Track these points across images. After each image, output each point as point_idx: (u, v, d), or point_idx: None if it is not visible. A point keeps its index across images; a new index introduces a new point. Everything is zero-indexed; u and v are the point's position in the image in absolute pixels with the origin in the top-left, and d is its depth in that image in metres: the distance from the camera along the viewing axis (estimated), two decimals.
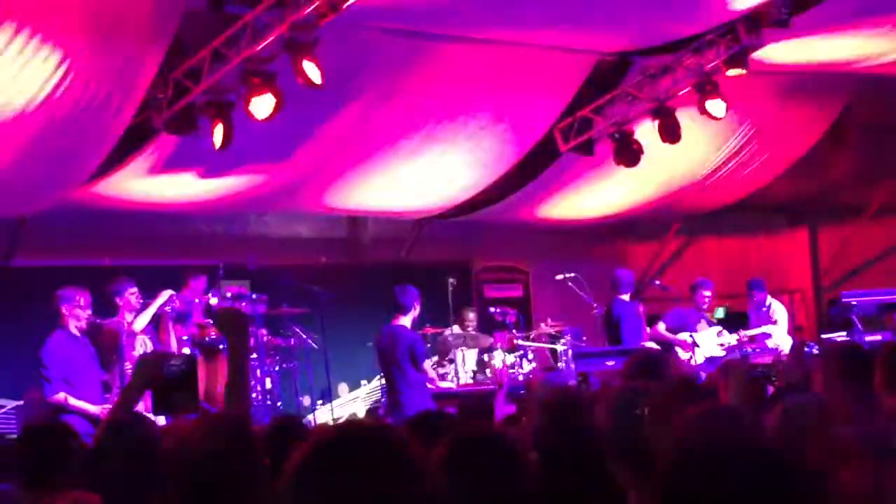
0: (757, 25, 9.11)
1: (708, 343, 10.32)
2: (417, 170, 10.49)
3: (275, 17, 7.47)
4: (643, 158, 10.38)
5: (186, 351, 8.69)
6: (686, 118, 10.17)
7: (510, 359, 10.11)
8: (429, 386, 9.06)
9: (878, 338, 9.92)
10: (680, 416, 2.76)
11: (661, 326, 10.52)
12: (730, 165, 12.17)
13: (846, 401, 4.07)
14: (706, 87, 9.80)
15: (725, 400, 5.55)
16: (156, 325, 8.53)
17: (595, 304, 10.83)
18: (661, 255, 14.10)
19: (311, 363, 10.00)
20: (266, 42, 7.53)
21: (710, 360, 10.12)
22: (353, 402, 10.71)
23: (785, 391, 4.82)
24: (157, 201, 9.72)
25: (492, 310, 10.80)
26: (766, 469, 1.59)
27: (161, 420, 5.24)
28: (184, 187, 9.53)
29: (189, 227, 11.00)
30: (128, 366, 7.85)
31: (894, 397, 4.16)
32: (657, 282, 12.17)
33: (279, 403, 9.57)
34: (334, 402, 10.20)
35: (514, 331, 10.51)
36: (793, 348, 10.03)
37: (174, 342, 8.62)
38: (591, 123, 10.43)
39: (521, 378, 9.85)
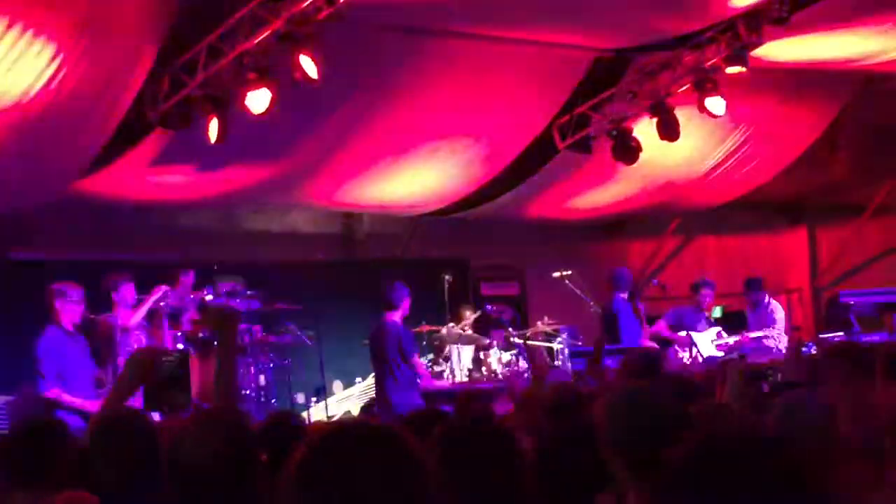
0: (757, 23, 9.10)
1: (708, 343, 10.28)
2: (414, 166, 10.47)
3: (271, 12, 7.44)
4: (641, 156, 10.35)
5: (180, 347, 8.66)
6: (685, 116, 10.15)
7: (506, 357, 10.08)
8: (419, 381, 9.06)
9: (876, 338, 9.92)
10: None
11: (663, 325, 10.47)
12: (728, 163, 12.16)
13: (846, 400, 4.04)
14: (705, 85, 9.78)
15: (722, 399, 5.52)
16: (150, 320, 8.50)
17: (592, 303, 10.80)
18: (659, 254, 14.09)
19: (306, 360, 9.98)
20: (262, 36, 7.49)
21: (710, 360, 10.09)
22: (347, 399, 10.69)
23: (782, 390, 4.80)
24: (152, 196, 9.70)
25: (488, 307, 10.78)
26: (775, 464, 1.60)
27: (154, 417, 5.19)
28: (179, 182, 9.49)
29: (184, 223, 10.97)
30: (122, 361, 7.81)
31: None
32: (655, 280, 12.15)
33: (273, 400, 9.54)
34: (329, 400, 10.18)
35: (510, 329, 10.49)
36: (790, 348, 10.01)
37: (169, 338, 8.59)
38: (589, 121, 10.41)
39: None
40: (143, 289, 8.36)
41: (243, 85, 7.70)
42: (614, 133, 10.31)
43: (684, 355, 10.25)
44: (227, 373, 4.07)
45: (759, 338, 10.45)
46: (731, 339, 10.38)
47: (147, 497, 3.30)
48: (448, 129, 10.07)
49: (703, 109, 9.92)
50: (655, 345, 10.07)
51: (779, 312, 10.64)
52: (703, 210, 13.54)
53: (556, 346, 10.49)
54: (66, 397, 7.51)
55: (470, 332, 10.53)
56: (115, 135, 8.25)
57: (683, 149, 11.05)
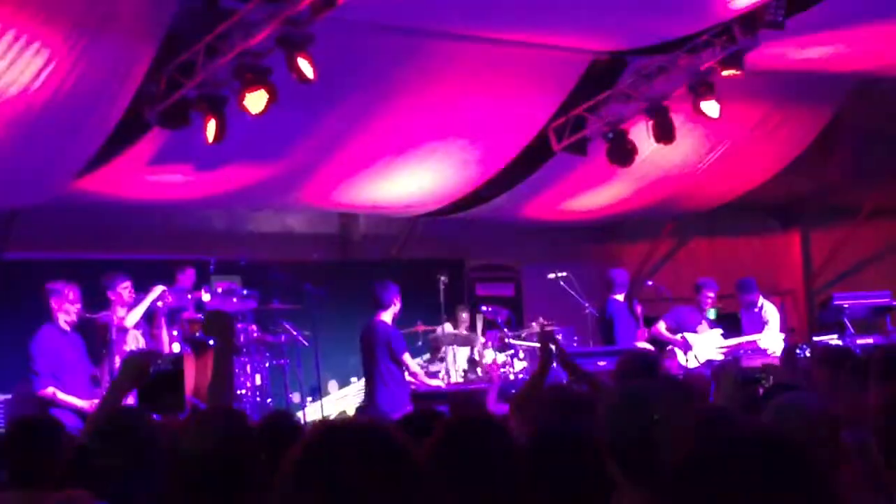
0: (752, 26, 9.11)
1: (707, 345, 10.25)
2: (411, 167, 10.48)
3: (269, 13, 7.45)
4: (637, 158, 10.38)
5: (177, 346, 8.68)
6: (680, 118, 10.17)
7: (501, 357, 10.11)
8: (409, 379, 9.09)
9: (870, 341, 9.95)
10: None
11: (662, 326, 10.46)
12: (723, 166, 12.17)
13: (837, 403, 4.07)
14: (701, 88, 9.80)
15: (715, 401, 5.55)
16: (148, 320, 8.52)
17: (587, 304, 10.83)
18: (654, 256, 14.12)
19: (302, 360, 10.00)
20: (260, 37, 7.50)
21: (708, 363, 10.08)
22: (342, 399, 10.70)
23: (775, 392, 4.82)
24: (149, 196, 9.70)
25: (484, 308, 10.80)
26: (782, 463, 1.61)
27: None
28: (176, 182, 9.50)
29: (181, 222, 10.98)
30: (118, 360, 7.83)
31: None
32: (649, 282, 12.17)
33: (269, 400, 9.56)
34: (324, 399, 10.20)
35: (505, 329, 10.51)
36: (784, 350, 10.03)
37: (166, 337, 8.61)
38: (585, 123, 10.42)
39: (511, 377, 9.85)
40: (141, 288, 8.38)
41: (241, 85, 7.71)
42: (610, 135, 10.32)
43: (682, 358, 10.23)
44: (223, 375, 4.08)
45: (757, 340, 10.44)
46: (734, 341, 10.33)
47: (146, 496, 3.30)
48: (445, 130, 10.07)
49: (698, 112, 9.95)
50: (650, 346, 10.07)
51: (772, 313, 10.66)
52: (698, 212, 13.57)
53: (546, 338, 10.50)
54: (61, 396, 7.53)
55: (465, 332, 10.57)
56: (113, 134, 8.26)
57: (679, 151, 11.08)
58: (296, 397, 10.17)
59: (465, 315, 10.88)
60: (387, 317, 8.76)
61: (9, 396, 8.25)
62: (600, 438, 2.89)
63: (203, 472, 2.88)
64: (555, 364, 10.25)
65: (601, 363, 9.03)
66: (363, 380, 10.53)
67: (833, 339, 10.21)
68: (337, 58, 8.25)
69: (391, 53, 8.85)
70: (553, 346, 5.91)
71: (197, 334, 8.74)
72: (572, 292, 10.83)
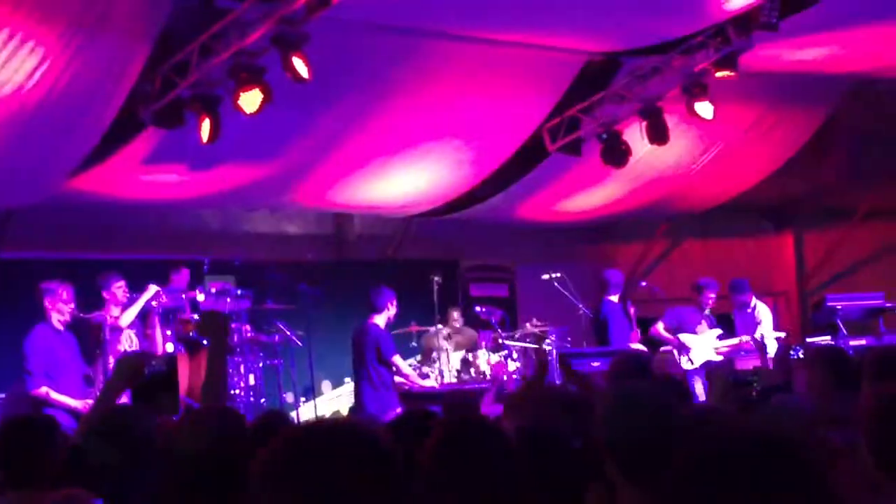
0: (746, 28, 9.14)
1: (705, 346, 10.24)
2: (405, 167, 10.48)
3: (264, 12, 7.45)
4: (631, 159, 10.39)
5: (171, 346, 8.67)
6: (674, 119, 10.19)
7: (495, 358, 10.12)
8: (400, 380, 9.10)
9: (863, 342, 9.97)
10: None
11: (661, 326, 10.43)
12: (717, 168, 12.20)
13: (832, 404, 4.09)
14: (695, 89, 9.83)
15: (709, 402, 5.57)
16: (142, 319, 8.51)
17: (581, 305, 10.84)
18: (648, 257, 14.14)
19: (295, 360, 10.00)
20: (255, 37, 7.50)
21: (706, 364, 10.08)
22: (336, 399, 10.70)
23: (767, 394, 4.85)
24: (144, 195, 9.69)
25: (478, 309, 10.81)
26: (781, 464, 1.62)
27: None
28: (170, 182, 9.49)
29: (175, 222, 10.98)
30: (112, 360, 7.82)
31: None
32: (643, 283, 12.18)
33: (262, 400, 9.56)
34: (317, 399, 10.19)
35: (499, 330, 10.52)
36: (777, 352, 10.05)
37: (160, 337, 8.59)
38: (579, 123, 10.44)
39: (505, 378, 9.87)
40: (135, 288, 8.37)
41: (236, 85, 7.70)
42: (604, 136, 10.34)
43: (679, 358, 10.20)
44: (217, 375, 4.09)
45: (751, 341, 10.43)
46: (732, 342, 10.32)
47: (141, 495, 3.31)
48: (440, 130, 10.08)
49: (692, 113, 9.97)
50: (644, 347, 10.08)
51: (765, 314, 10.67)
52: (692, 213, 13.60)
53: (544, 347, 10.53)
54: (55, 395, 7.52)
55: (459, 327, 10.58)
56: (108, 134, 8.26)
57: (673, 152, 11.10)
58: (289, 397, 10.18)
59: (456, 314, 10.90)
60: (380, 320, 8.79)
61: (2, 396, 8.24)
62: (598, 439, 2.90)
63: (197, 472, 2.89)
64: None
65: (595, 364, 9.04)
66: None
67: (826, 341, 10.23)
68: (332, 57, 8.25)
69: (386, 53, 8.86)
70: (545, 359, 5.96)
71: (191, 334, 8.75)
72: (566, 293, 10.84)
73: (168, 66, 7.93)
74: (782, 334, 10.61)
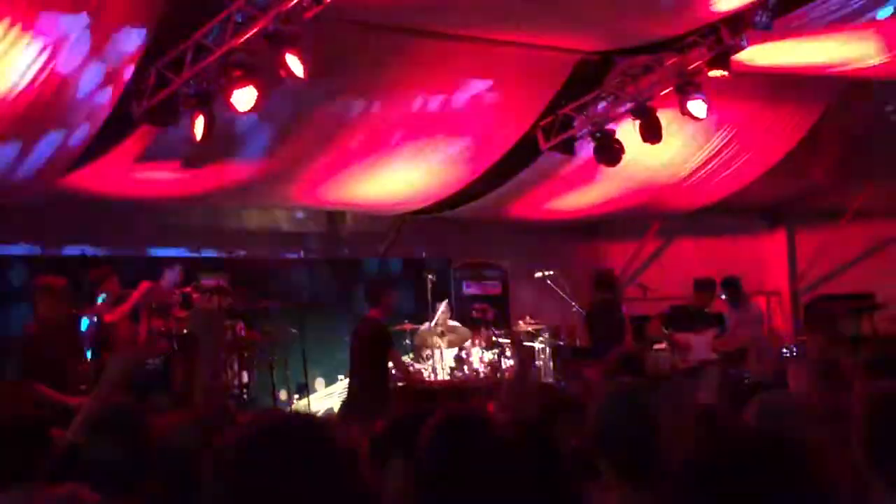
0: (739, 27, 9.18)
1: (702, 344, 10.26)
2: (398, 165, 10.50)
3: (258, 10, 7.46)
4: (623, 158, 10.42)
5: (164, 343, 8.68)
6: (667, 118, 10.23)
7: (488, 356, 10.15)
8: (395, 375, 9.13)
9: (854, 339, 10.05)
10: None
11: (658, 324, 10.45)
12: (709, 167, 12.24)
13: (823, 401, 4.11)
14: (687, 88, 9.86)
15: (701, 399, 5.60)
16: (135, 316, 8.51)
17: (573, 303, 10.87)
18: (640, 255, 14.19)
19: (289, 357, 10.00)
20: (249, 34, 7.51)
21: (703, 362, 10.10)
22: (329, 396, 10.72)
23: (759, 391, 4.87)
24: (137, 192, 9.70)
25: (474, 309, 10.84)
26: (784, 465, 1.63)
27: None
28: (164, 179, 9.50)
29: (169, 219, 10.98)
30: (105, 356, 7.82)
31: None
32: (636, 281, 12.23)
33: (256, 397, 9.57)
34: (311, 397, 10.21)
35: (492, 328, 10.55)
36: (769, 350, 10.10)
37: (153, 334, 8.60)
38: (572, 122, 10.47)
39: (498, 375, 9.91)
40: (128, 284, 8.38)
41: (229, 83, 7.71)
42: (597, 135, 10.37)
43: (677, 357, 10.22)
44: (211, 372, 4.10)
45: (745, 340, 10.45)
46: (728, 341, 10.34)
47: (137, 491, 3.32)
48: (433, 128, 10.10)
49: (685, 112, 9.99)
50: (637, 345, 10.11)
51: (756, 312, 10.71)
52: (684, 212, 13.64)
53: (537, 345, 10.57)
54: (48, 391, 7.51)
55: (453, 325, 10.58)
56: (101, 131, 8.26)
57: (665, 151, 11.14)
58: (283, 394, 10.19)
59: (441, 307, 10.89)
60: (378, 314, 8.79)
61: None
62: (591, 437, 2.92)
63: (192, 468, 2.89)
64: (540, 363, 10.36)
65: (588, 362, 9.08)
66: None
67: (817, 338, 10.29)
68: (326, 56, 8.26)
69: (380, 52, 8.87)
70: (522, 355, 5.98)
71: (184, 331, 8.75)
72: (559, 291, 10.87)
73: (162, 63, 7.93)
74: (781, 333, 10.65)
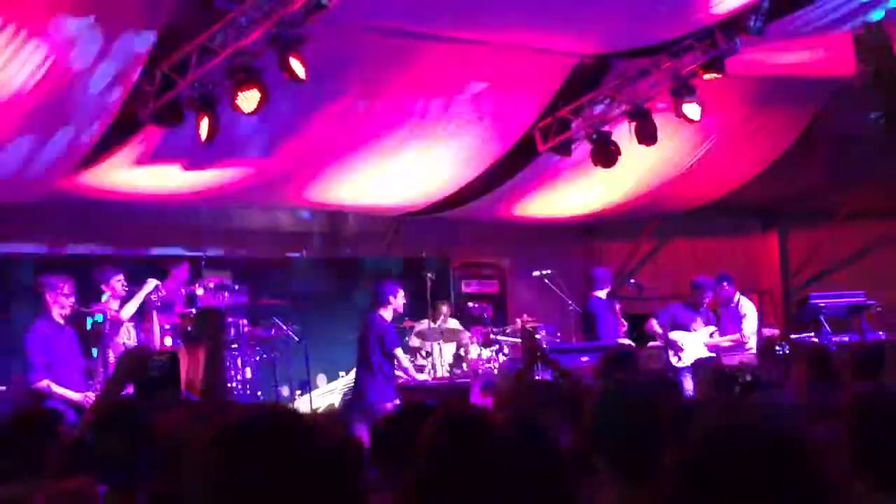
0: (734, 31, 9.29)
1: (697, 343, 10.35)
2: (398, 166, 10.57)
3: (262, 13, 7.56)
4: (619, 159, 10.52)
5: (168, 340, 8.77)
6: (662, 120, 10.33)
7: (486, 353, 10.26)
8: (399, 374, 9.24)
9: (845, 339, 10.15)
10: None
11: (655, 322, 10.53)
12: (704, 168, 12.33)
13: (816, 399, 4.21)
14: (682, 91, 9.96)
15: (696, 396, 5.72)
16: (140, 313, 8.61)
17: (570, 301, 10.97)
18: (636, 255, 14.27)
19: (291, 354, 10.09)
20: (253, 37, 7.60)
21: (696, 360, 10.19)
22: (330, 393, 10.81)
23: (752, 389, 4.98)
24: (143, 192, 9.76)
25: (470, 305, 10.95)
26: (785, 462, 1.65)
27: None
28: (169, 179, 9.58)
29: (173, 218, 11.04)
30: (111, 354, 7.92)
31: None
32: (631, 280, 12.32)
33: (259, 393, 9.66)
34: (313, 393, 10.30)
35: (491, 326, 10.66)
36: (763, 347, 10.19)
37: (158, 331, 8.70)
38: (569, 124, 10.56)
39: (495, 371, 10.00)
40: (134, 282, 8.48)
41: (234, 85, 7.80)
42: (594, 136, 10.47)
43: (673, 356, 10.30)
44: (215, 369, 4.18)
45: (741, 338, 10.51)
46: (723, 339, 10.43)
47: (143, 486, 3.37)
48: (432, 130, 10.16)
49: (680, 115, 10.11)
50: (631, 343, 10.22)
51: (750, 310, 10.80)
52: (679, 213, 13.72)
53: (534, 335, 10.66)
54: (56, 388, 7.61)
55: (452, 328, 10.70)
56: (107, 131, 8.35)
57: (661, 153, 11.22)
58: (285, 391, 10.28)
59: (445, 310, 11.01)
60: (386, 313, 8.93)
61: (3, 388, 8.33)
62: (587, 434, 2.94)
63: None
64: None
65: (584, 359, 9.18)
66: (350, 374, 10.69)
67: (810, 338, 10.39)
68: (327, 58, 8.35)
69: (380, 55, 8.94)
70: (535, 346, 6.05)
71: (189, 328, 8.84)
72: (556, 290, 10.98)
73: (168, 65, 8.03)
74: (776, 331, 10.73)
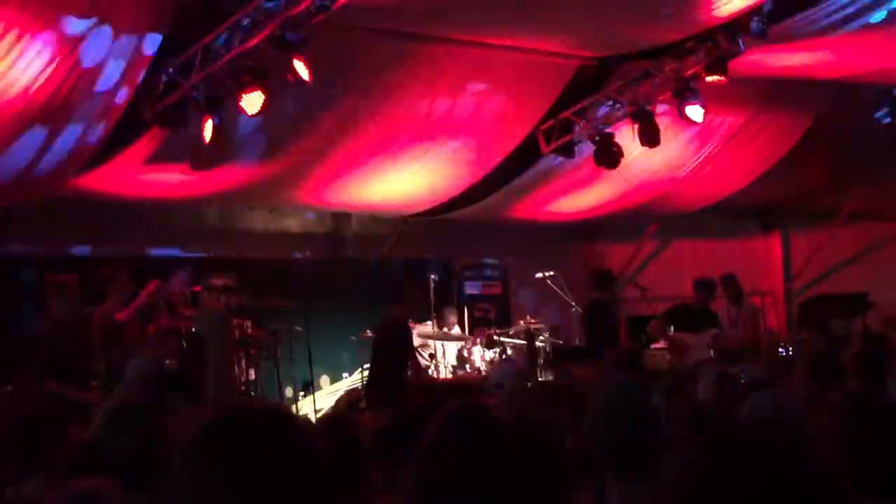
0: (736, 34, 9.31)
1: (700, 344, 10.36)
2: (402, 168, 10.60)
3: (266, 15, 7.60)
4: (622, 161, 10.55)
5: (172, 341, 8.80)
6: (665, 123, 10.36)
7: (489, 354, 10.29)
8: (408, 374, 9.26)
9: (846, 340, 10.18)
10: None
11: (658, 323, 10.56)
12: (706, 169, 12.35)
13: (812, 399, 4.24)
14: (685, 93, 9.98)
15: (699, 398, 5.75)
16: (145, 314, 8.63)
17: (573, 303, 11.00)
18: (638, 256, 14.30)
19: (294, 355, 10.12)
20: (257, 39, 7.64)
21: (700, 362, 10.19)
22: (334, 393, 10.84)
23: (753, 389, 4.99)
24: (147, 193, 9.81)
25: (476, 308, 10.98)
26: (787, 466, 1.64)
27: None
28: (173, 180, 9.62)
29: (178, 220, 11.09)
30: (115, 354, 7.94)
31: None
32: (634, 282, 12.33)
33: (262, 394, 9.67)
34: (316, 394, 10.32)
35: (493, 327, 10.70)
36: (764, 348, 10.22)
37: (163, 333, 8.72)
38: (572, 126, 10.59)
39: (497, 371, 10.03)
40: (138, 283, 8.50)
41: (238, 86, 7.84)
42: (597, 138, 10.49)
43: (673, 355, 10.31)
44: (219, 370, 4.21)
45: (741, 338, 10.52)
46: (725, 339, 10.44)
47: (155, 486, 3.43)
48: (436, 132, 10.21)
49: (682, 116, 10.14)
50: (633, 344, 10.24)
51: (752, 311, 10.81)
52: (681, 214, 13.75)
53: (538, 343, 10.71)
54: (60, 388, 7.63)
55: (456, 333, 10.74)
56: (113, 133, 8.39)
57: (663, 155, 11.25)
58: (288, 392, 10.31)
59: (452, 318, 11.03)
60: (404, 310, 8.97)
61: (9, 389, 8.35)
62: (588, 434, 2.98)
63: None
64: (539, 361, 10.51)
65: (586, 359, 9.21)
66: (354, 375, 10.73)
67: (811, 339, 10.41)
68: (331, 60, 8.39)
69: (385, 57, 8.98)
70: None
71: (192, 329, 8.87)
72: (559, 291, 11.00)
73: (172, 67, 8.08)
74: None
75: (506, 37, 9.12)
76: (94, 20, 7.36)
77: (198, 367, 8.36)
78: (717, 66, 9.63)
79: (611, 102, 10.53)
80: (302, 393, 10.42)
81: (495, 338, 10.51)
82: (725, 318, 10.66)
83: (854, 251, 14.14)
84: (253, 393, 9.45)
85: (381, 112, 9.63)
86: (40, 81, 7.49)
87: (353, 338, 10.35)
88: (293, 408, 9.79)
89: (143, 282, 8.60)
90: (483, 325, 10.76)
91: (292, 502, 1.70)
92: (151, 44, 7.80)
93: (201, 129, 8.17)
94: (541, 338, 10.69)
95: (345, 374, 10.84)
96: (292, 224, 12.14)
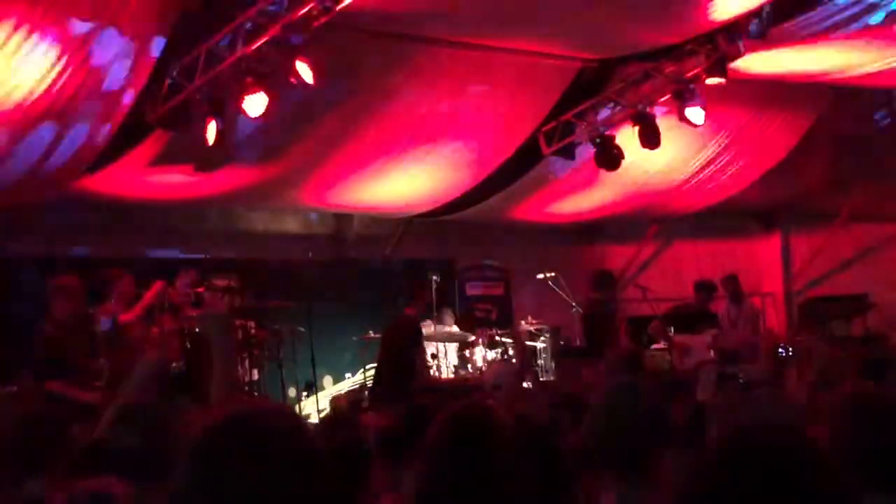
0: (736, 36, 9.35)
1: (700, 344, 10.39)
2: (404, 169, 10.64)
3: (270, 19, 7.63)
4: (623, 163, 10.58)
5: (177, 342, 8.82)
6: (665, 125, 10.39)
7: (491, 354, 10.32)
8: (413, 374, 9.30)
9: (847, 340, 10.21)
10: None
11: (659, 324, 10.59)
12: (706, 171, 12.38)
13: (819, 400, 4.27)
14: (685, 95, 10.02)
15: (697, 397, 5.78)
16: (149, 316, 8.65)
17: (573, 303, 11.03)
18: (639, 257, 14.33)
19: (297, 356, 10.15)
20: (260, 42, 7.68)
21: (698, 362, 10.23)
22: (337, 394, 10.88)
23: (751, 389, 5.03)
24: (151, 195, 9.85)
25: (477, 309, 11.00)
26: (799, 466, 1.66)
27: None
28: (176, 182, 9.66)
29: (181, 222, 11.12)
30: (119, 356, 7.96)
31: None
32: (634, 283, 12.37)
33: (265, 394, 9.70)
34: (319, 394, 10.35)
35: (494, 328, 10.73)
36: (766, 349, 10.24)
37: (166, 334, 8.74)
38: (573, 128, 10.62)
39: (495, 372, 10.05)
40: (142, 284, 8.53)
41: (241, 89, 7.87)
42: (598, 140, 10.52)
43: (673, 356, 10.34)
44: (223, 370, 4.24)
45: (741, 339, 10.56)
46: (725, 340, 10.47)
47: (163, 486, 3.45)
48: (438, 134, 10.24)
49: (683, 119, 10.16)
50: (636, 345, 10.26)
51: (753, 312, 10.84)
52: (682, 216, 13.77)
53: (539, 344, 10.74)
54: (64, 389, 7.65)
55: (454, 332, 10.76)
56: (117, 135, 8.42)
57: (664, 156, 11.27)
58: (291, 392, 10.34)
59: (449, 319, 11.06)
60: (414, 311, 9.02)
61: (13, 390, 8.38)
62: (589, 434, 3.01)
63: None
64: (541, 362, 10.54)
65: (587, 360, 9.23)
66: (356, 375, 10.77)
67: (811, 339, 10.42)
68: (334, 62, 8.42)
69: (387, 59, 9.02)
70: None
71: (196, 330, 8.89)
72: (560, 292, 11.03)
73: (176, 69, 8.11)
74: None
75: (507, 39, 9.15)
76: (98, 23, 7.39)
77: (202, 368, 8.40)
78: (717, 68, 9.67)
79: (611, 104, 10.56)
80: (305, 393, 10.45)
81: (497, 338, 10.54)
82: (725, 318, 10.71)
83: (854, 252, 14.16)
84: (256, 393, 9.47)
85: (383, 113, 9.67)
86: (45, 83, 7.52)
87: (356, 338, 10.39)
88: (296, 408, 9.82)
89: (144, 283, 8.62)
90: (484, 326, 10.79)
91: (297, 502, 1.71)
92: (155, 47, 7.83)
93: (204, 132, 8.20)
94: (542, 339, 10.72)
95: (347, 375, 10.88)
96: (294, 225, 12.19)
